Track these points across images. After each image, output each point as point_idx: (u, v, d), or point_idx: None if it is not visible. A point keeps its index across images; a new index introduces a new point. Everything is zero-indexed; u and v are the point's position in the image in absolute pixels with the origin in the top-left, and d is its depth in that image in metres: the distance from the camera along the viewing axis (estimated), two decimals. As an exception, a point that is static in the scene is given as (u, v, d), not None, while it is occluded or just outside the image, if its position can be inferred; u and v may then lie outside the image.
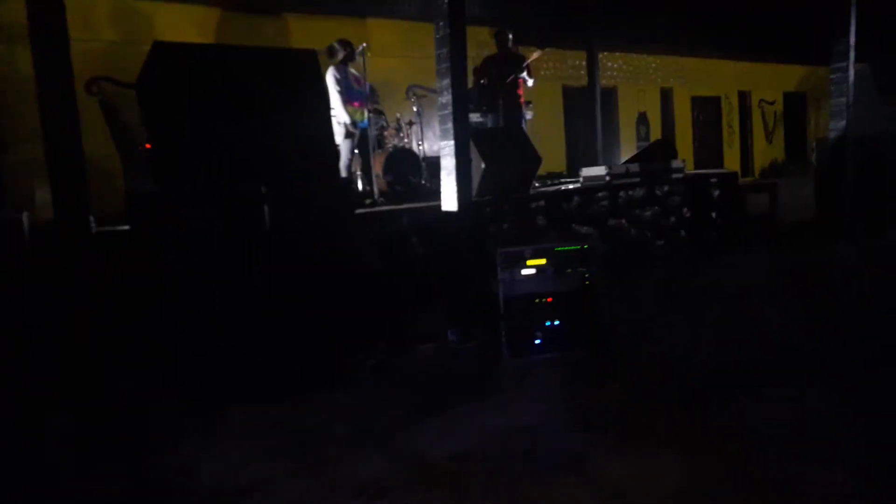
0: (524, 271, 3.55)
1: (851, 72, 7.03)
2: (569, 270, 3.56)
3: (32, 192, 8.04)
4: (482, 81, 7.86)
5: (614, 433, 2.90)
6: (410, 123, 8.02)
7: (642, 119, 15.51)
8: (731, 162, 17.21)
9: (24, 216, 6.52)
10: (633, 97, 15.23)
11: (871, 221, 7.49)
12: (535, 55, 7.64)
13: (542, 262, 3.55)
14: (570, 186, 6.95)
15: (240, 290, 3.75)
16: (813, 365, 3.55)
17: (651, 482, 2.48)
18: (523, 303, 3.54)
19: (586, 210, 6.41)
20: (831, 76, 7.20)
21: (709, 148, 17.01)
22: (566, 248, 3.60)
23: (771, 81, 18.26)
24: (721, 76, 16.87)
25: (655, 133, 15.85)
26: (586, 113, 12.88)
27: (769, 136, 18.53)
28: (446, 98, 4.57)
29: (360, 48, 6.23)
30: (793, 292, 5.35)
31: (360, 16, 10.86)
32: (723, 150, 17.33)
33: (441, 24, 4.50)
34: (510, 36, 7.79)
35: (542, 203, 6.10)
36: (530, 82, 7.77)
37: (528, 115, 8.21)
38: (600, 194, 6.50)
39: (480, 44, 12.45)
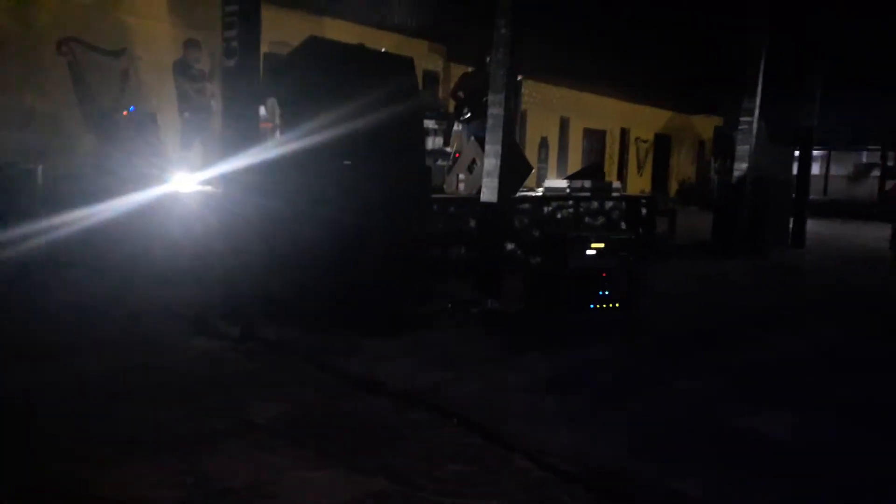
0: (588, 252, 4.63)
1: (755, 125, 8.89)
2: (618, 253, 4.69)
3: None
4: (459, 94, 8.89)
5: (667, 361, 4.11)
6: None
7: (544, 143, 17.24)
8: (609, 189, 19.43)
9: (39, 169, 6.74)
10: (539, 123, 16.91)
11: (750, 244, 9.38)
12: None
13: (602, 245, 4.65)
14: (533, 194, 8.15)
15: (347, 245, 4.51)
16: (760, 325, 5.01)
17: (705, 387, 3.69)
18: (585, 275, 4.62)
19: (556, 215, 7.65)
20: (739, 127, 9.02)
21: (593, 174, 19.12)
22: (618, 236, 4.74)
23: (646, 122, 20.87)
24: (609, 112, 19.09)
25: (552, 156, 17.66)
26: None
27: (640, 170, 21.12)
28: (497, 110, 5.56)
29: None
30: (724, 289, 6.91)
31: (318, 13, 11.52)
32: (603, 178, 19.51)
33: (501, 50, 5.49)
34: (488, 59, 8.86)
35: (527, 206, 7.25)
36: (502, 101, 8.91)
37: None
38: (569, 203, 7.77)
39: (419, 56, 13.49)
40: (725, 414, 3.33)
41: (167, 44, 9.40)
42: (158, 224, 6.39)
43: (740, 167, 8.99)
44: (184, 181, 6.64)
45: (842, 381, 3.97)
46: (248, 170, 4.51)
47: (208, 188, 6.40)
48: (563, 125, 17.95)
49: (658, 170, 21.81)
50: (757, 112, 8.83)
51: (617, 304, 4.70)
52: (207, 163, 7.20)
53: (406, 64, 4.94)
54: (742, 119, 8.96)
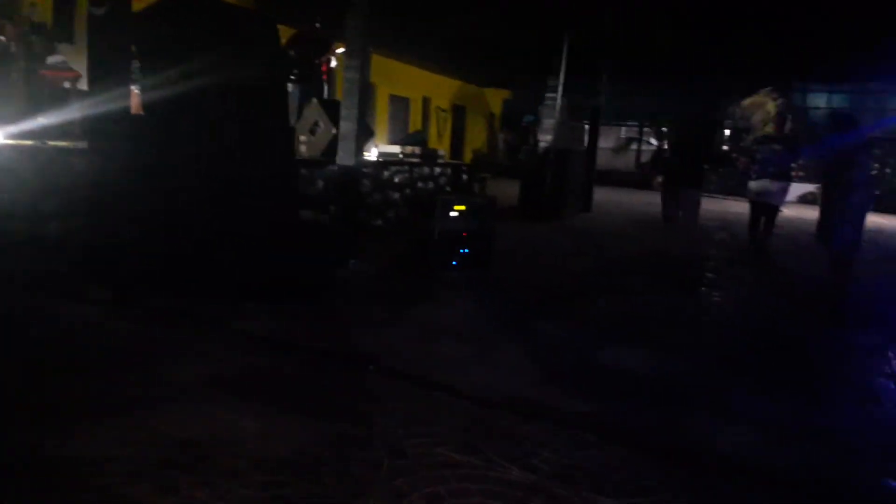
0: (451, 213, 5.06)
1: (559, 101, 9.93)
2: (477, 215, 5.18)
3: None
4: (290, 53, 8.79)
5: (526, 311, 4.74)
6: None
7: (351, 107, 17.35)
8: (411, 155, 20.15)
9: None
10: (347, 86, 16.97)
11: (554, 208, 10.53)
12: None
13: (463, 207, 5.11)
14: (373, 159, 8.43)
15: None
16: (588, 280, 5.89)
17: (564, 332, 4.37)
18: (449, 235, 5.05)
19: (394, 179, 8.02)
20: (546, 102, 10.03)
21: (397, 141, 19.72)
22: (477, 199, 5.24)
23: (445, 92, 21.82)
24: (412, 81, 19.67)
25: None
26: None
27: (440, 138, 22.10)
28: (353, 75, 5.74)
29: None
30: (548, 249, 7.82)
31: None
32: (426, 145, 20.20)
33: (357, 18, 5.65)
34: (318, 24, 8.87)
35: (370, 170, 7.53)
36: (333, 63, 8.99)
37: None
38: (404, 167, 8.17)
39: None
40: (590, 352, 3.99)
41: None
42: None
43: (545, 139, 10.03)
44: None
45: (664, 325, 4.84)
46: (118, 123, 4.31)
47: (29, 143, 5.81)
48: (371, 91, 18.19)
49: (455, 139, 22.96)
50: (561, 89, 9.87)
51: (476, 262, 5.23)
52: (13, 114, 6.46)
53: (266, 22, 4.94)
54: (547, 96, 9.98)
